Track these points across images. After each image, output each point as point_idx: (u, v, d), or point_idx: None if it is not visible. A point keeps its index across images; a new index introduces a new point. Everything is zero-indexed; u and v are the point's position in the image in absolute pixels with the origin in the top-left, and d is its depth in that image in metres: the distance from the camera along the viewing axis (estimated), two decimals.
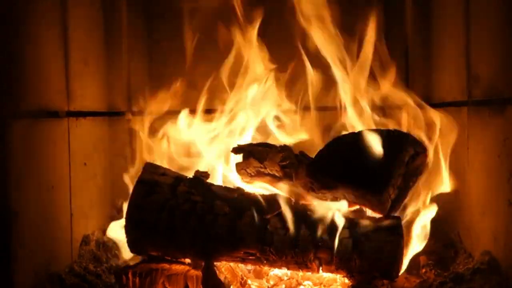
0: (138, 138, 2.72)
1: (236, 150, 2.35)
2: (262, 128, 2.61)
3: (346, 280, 2.12)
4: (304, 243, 2.07)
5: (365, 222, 2.10)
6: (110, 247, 2.59)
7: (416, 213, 2.27)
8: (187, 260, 2.18)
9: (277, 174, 2.27)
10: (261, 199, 2.16)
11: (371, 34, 2.45)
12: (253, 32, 2.59)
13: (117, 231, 2.44)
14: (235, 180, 2.44)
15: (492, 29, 2.18)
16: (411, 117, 2.46)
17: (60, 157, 2.36)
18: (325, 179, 2.16)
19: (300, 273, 2.19)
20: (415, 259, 2.32)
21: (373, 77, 2.51)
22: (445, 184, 2.29)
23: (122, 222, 2.22)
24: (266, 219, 2.11)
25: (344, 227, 2.08)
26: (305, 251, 2.07)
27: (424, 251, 2.36)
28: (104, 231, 2.71)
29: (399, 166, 2.09)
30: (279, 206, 2.12)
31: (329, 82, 2.53)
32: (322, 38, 2.45)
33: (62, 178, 2.37)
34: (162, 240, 2.13)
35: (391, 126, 2.41)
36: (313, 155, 2.25)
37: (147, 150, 2.59)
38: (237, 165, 2.37)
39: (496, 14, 2.14)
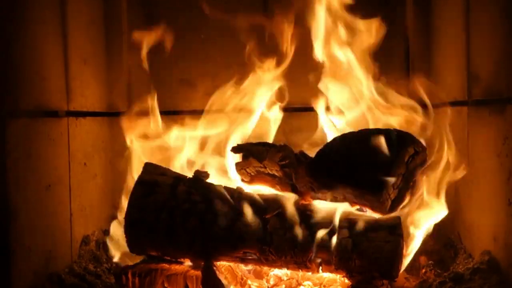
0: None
1: (236, 149, 2.35)
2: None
3: (346, 280, 2.12)
4: (303, 243, 2.07)
5: (364, 222, 2.09)
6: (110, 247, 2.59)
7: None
8: (187, 260, 2.18)
9: (276, 174, 2.27)
10: (261, 199, 2.15)
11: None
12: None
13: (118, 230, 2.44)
14: (235, 180, 2.44)
15: (492, 28, 2.18)
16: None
17: (59, 157, 2.36)
18: (325, 178, 2.16)
19: (300, 273, 2.19)
20: (415, 259, 2.32)
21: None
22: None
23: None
24: (266, 219, 2.10)
25: (343, 227, 2.08)
26: (305, 251, 2.06)
27: (424, 251, 2.37)
28: (104, 231, 2.72)
29: (399, 165, 2.09)
30: (278, 206, 2.12)
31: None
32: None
33: (61, 178, 2.37)
34: (161, 240, 2.13)
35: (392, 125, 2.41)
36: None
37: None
38: (237, 164, 2.36)
39: (496, 14, 2.14)
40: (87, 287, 2.21)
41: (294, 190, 2.23)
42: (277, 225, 2.10)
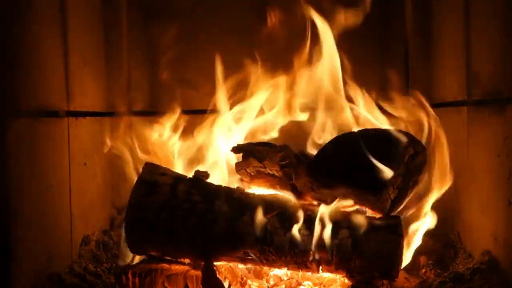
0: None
1: (236, 149, 2.35)
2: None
3: (346, 280, 2.12)
4: (303, 243, 2.07)
5: (364, 222, 2.09)
6: (110, 247, 2.60)
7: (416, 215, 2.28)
8: (187, 260, 2.18)
9: (276, 174, 2.27)
10: (261, 199, 2.15)
11: None
12: None
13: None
14: (235, 180, 2.44)
15: (492, 28, 2.18)
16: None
17: (60, 157, 2.36)
18: (325, 178, 2.16)
19: (300, 273, 2.19)
20: (415, 259, 2.32)
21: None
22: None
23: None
24: (266, 219, 2.10)
25: (343, 227, 2.08)
26: (305, 251, 2.07)
27: (424, 251, 2.37)
28: (104, 231, 2.72)
29: (399, 165, 2.09)
30: (278, 206, 2.12)
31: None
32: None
33: (62, 178, 2.37)
34: (161, 240, 2.13)
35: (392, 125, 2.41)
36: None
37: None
38: (237, 164, 2.37)
39: (496, 13, 2.14)
40: (87, 287, 2.21)
41: (294, 190, 2.23)
42: (277, 225, 2.10)
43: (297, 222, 2.09)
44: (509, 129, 2.04)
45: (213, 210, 2.12)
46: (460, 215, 2.47)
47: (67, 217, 2.40)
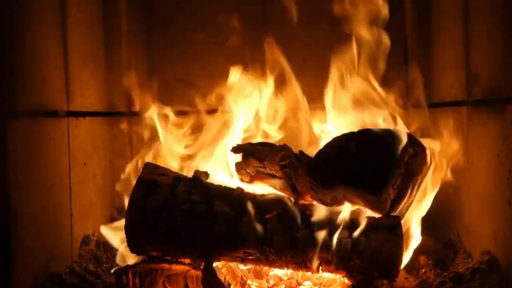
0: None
1: (236, 149, 2.35)
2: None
3: (346, 280, 2.12)
4: (303, 243, 2.07)
5: (364, 222, 2.09)
6: (110, 247, 2.59)
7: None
8: (187, 260, 2.18)
9: (276, 174, 2.27)
10: (261, 199, 2.16)
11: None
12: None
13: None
14: (235, 180, 2.44)
15: (491, 28, 2.18)
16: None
17: (60, 157, 2.36)
18: (325, 178, 2.16)
19: (300, 273, 2.19)
20: (415, 259, 2.32)
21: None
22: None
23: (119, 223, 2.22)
24: (266, 219, 2.11)
25: (343, 227, 2.08)
26: (305, 251, 2.07)
27: (424, 251, 2.37)
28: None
29: (399, 165, 2.09)
30: (278, 206, 2.12)
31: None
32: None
33: (62, 178, 2.37)
34: (161, 240, 2.13)
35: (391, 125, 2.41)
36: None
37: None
38: (237, 164, 2.36)
39: (496, 13, 2.14)
40: (88, 287, 2.21)
41: (294, 190, 2.23)
42: (277, 225, 2.10)
43: (297, 222, 2.09)
44: (508, 129, 2.04)
45: (213, 210, 2.12)
46: (460, 215, 2.47)
47: (67, 217, 2.41)
